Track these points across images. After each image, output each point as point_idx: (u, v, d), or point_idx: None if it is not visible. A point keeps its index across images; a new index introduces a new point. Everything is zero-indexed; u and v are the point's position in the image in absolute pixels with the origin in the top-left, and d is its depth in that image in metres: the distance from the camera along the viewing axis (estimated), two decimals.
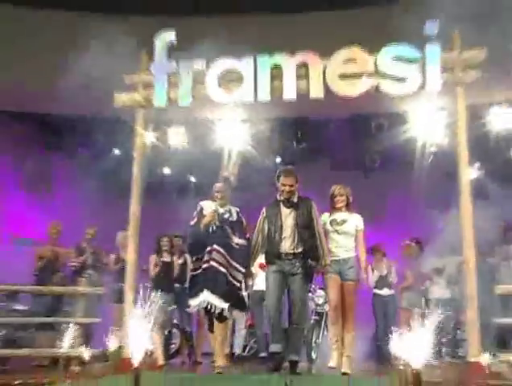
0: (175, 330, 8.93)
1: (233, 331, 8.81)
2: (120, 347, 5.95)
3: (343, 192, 6.55)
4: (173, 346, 8.91)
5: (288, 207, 6.21)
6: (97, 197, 9.73)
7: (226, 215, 6.34)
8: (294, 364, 6.02)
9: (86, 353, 5.49)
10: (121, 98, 7.34)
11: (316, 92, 6.75)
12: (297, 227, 6.12)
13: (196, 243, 6.30)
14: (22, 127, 11.12)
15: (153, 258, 8.11)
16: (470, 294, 6.33)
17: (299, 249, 6.09)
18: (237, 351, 9.06)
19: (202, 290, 6.09)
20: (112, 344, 5.87)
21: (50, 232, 8.68)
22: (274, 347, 6.01)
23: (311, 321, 8.23)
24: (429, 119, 7.41)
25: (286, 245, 6.10)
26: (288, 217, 6.18)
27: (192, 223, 6.32)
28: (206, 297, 6.05)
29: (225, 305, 6.09)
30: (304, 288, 6.18)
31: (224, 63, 7.02)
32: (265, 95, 6.97)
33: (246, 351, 9.22)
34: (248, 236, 6.44)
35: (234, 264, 6.19)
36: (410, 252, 8.95)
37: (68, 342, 4.89)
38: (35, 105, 9.87)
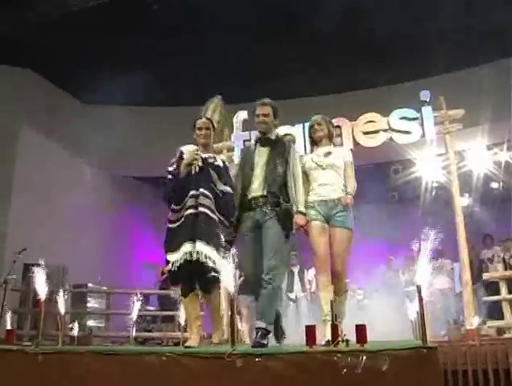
0: None
1: None
2: None
3: (321, 122, 4.85)
4: None
5: (264, 146, 4.59)
6: None
7: (210, 160, 4.49)
8: (262, 334, 3.92)
9: None
10: None
11: (348, 145, 7.82)
12: (268, 165, 4.46)
13: (176, 189, 4.37)
14: (150, 187, 12.06)
15: None
16: (466, 281, 7.66)
17: (269, 190, 4.36)
18: None
19: (187, 240, 4.12)
20: None
21: None
22: (260, 324, 4.03)
23: None
24: (430, 162, 8.75)
25: (255, 187, 4.43)
26: (262, 156, 4.54)
27: (171, 168, 4.46)
28: (196, 247, 4.08)
29: (223, 261, 3.45)
30: (278, 235, 4.29)
31: (281, 130, 8.59)
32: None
33: None
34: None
35: (219, 216, 4.33)
36: (389, 264, 9.67)
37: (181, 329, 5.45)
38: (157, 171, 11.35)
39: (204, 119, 4.69)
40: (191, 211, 4.22)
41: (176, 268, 4.13)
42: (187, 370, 2.75)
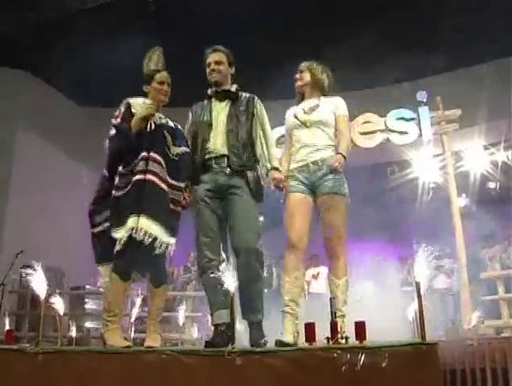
0: None
1: None
2: None
3: (302, 68, 3.98)
4: None
5: (222, 100, 3.87)
6: None
7: (163, 120, 3.75)
8: (256, 327, 3.50)
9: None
10: None
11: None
12: (229, 120, 3.76)
13: (125, 148, 3.56)
14: None
15: None
16: (463, 282, 7.61)
17: (232, 150, 3.67)
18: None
19: (133, 213, 3.40)
20: None
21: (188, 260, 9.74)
22: (217, 317, 3.53)
23: None
24: (427, 163, 8.90)
25: (215, 146, 3.71)
26: (222, 112, 3.82)
27: (116, 121, 3.63)
28: (141, 224, 3.36)
29: (172, 240, 3.49)
30: (251, 206, 3.62)
31: (277, 131, 8.62)
32: None
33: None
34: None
35: (171, 181, 3.61)
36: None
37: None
38: None
39: (166, 73, 3.84)
40: (140, 176, 3.49)
41: (123, 247, 3.39)
42: (187, 368, 2.75)
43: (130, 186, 3.49)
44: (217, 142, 3.74)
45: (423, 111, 7.89)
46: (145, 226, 3.36)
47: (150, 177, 3.50)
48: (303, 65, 4.00)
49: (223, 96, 3.91)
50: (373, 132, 8.12)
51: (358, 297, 7.74)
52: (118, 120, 3.64)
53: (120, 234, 3.39)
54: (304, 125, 3.83)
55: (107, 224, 3.56)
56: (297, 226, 3.66)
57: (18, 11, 8.08)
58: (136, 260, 3.48)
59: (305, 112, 3.87)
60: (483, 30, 7.88)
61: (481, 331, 7.01)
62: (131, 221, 3.37)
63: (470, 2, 8.02)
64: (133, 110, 3.65)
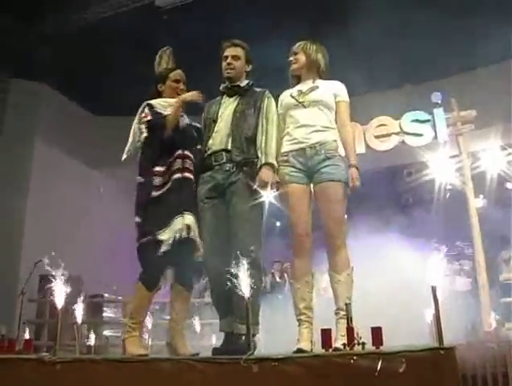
0: None
1: None
2: None
3: (297, 50, 3.71)
4: None
5: (232, 95, 3.74)
6: None
7: (187, 120, 3.70)
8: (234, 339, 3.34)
9: None
10: None
11: (360, 149, 7.93)
12: (234, 115, 3.62)
13: (164, 146, 3.47)
14: None
15: None
16: (482, 284, 7.46)
17: (234, 145, 3.53)
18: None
19: (177, 213, 3.35)
20: None
21: None
22: (221, 326, 3.52)
23: None
24: (443, 164, 8.82)
25: (216, 141, 3.60)
26: (228, 107, 3.70)
27: (148, 118, 3.52)
28: (187, 221, 3.34)
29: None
30: (249, 208, 3.39)
31: None
32: None
33: None
34: None
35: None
36: None
37: None
38: None
39: (180, 71, 3.77)
40: (178, 175, 3.47)
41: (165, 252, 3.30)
42: (203, 376, 2.74)
43: (169, 185, 3.43)
44: (217, 138, 3.62)
45: (438, 112, 7.87)
46: (191, 223, 3.34)
47: (187, 175, 3.49)
48: (298, 46, 3.73)
49: (233, 91, 3.78)
50: (388, 135, 8.13)
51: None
52: (149, 117, 3.53)
53: (165, 236, 3.30)
54: (302, 104, 3.54)
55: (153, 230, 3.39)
56: (303, 229, 3.40)
57: (31, 23, 8.17)
58: (165, 266, 3.40)
59: (303, 93, 3.59)
60: (497, 30, 7.76)
61: (502, 334, 6.96)
62: (177, 222, 3.31)
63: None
64: (157, 110, 3.55)
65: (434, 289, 2.66)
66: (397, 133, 8.07)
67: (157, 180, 3.44)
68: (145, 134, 3.53)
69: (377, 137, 8.16)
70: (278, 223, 9.57)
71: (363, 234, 5.82)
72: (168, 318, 3.78)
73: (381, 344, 2.79)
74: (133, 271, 3.58)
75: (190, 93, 3.60)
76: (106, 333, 8.80)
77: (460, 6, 8.11)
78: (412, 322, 5.57)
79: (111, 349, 7.76)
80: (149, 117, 3.53)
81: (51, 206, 9.84)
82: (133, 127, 3.62)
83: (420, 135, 7.96)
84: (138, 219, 3.45)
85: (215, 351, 3.34)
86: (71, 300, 3.53)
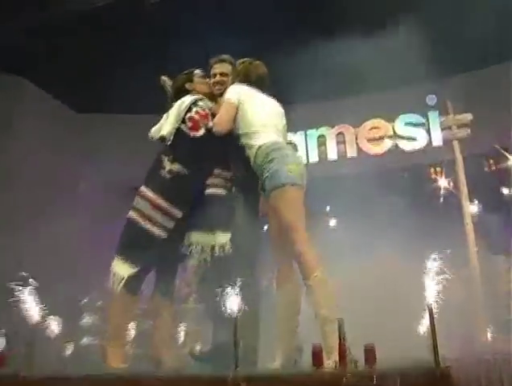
0: None
1: None
2: None
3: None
4: None
5: None
6: None
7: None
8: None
9: None
10: None
11: (351, 152, 8.21)
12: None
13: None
14: None
15: None
16: (477, 295, 7.31)
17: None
18: None
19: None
20: None
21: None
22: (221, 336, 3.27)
23: None
24: (437, 168, 8.79)
25: None
26: None
27: (210, 125, 3.52)
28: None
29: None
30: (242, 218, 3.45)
31: None
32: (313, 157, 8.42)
33: None
34: None
35: None
36: None
37: None
38: None
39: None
40: (211, 191, 3.68)
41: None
42: None
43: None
44: None
45: (433, 115, 7.95)
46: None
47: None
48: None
49: None
50: (381, 138, 8.17)
51: None
52: (210, 124, 3.55)
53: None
54: None
55: None
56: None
57: (11, 15, 7.98)
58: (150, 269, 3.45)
59: None
60: (496, 32, 7.70)
61: (497, 346, 6.90)
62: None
63: None
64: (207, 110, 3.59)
65: (430, 309, 2.59)
66: (390, 137, 8.11)
67: (216, 180, 3.59)
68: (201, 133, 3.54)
69: (369, 140, 8.15)
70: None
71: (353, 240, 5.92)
72: (152, 324, 3.77)
73: (375, 363, 2.70)
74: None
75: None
76: (85, 341, 8.63)
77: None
78: (405, 333, 5.43)
79: (90, 357, 7.60)
80: (210, 124, 3.54)
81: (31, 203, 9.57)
82: (179, 113, 3.58)
83: (413, 139, 8.02)
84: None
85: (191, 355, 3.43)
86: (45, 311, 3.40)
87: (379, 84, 8.74)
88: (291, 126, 7.41)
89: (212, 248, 3.37)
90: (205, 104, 3.61)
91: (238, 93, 3.53)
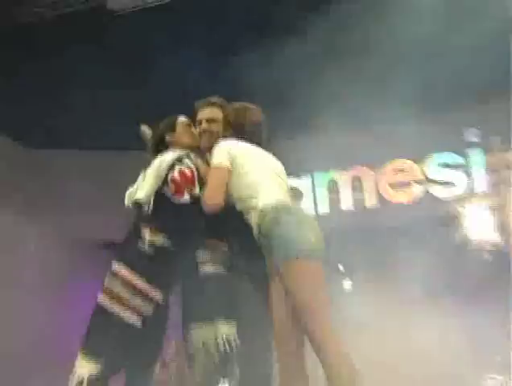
0: None
1: None
2: None
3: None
4: None
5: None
6: None
7: None
8: None
9: None
10: None
11: (371, 201, 7.14)
12: None
13: None
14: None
15: None
16: None
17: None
18: None
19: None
20: None
21: None
22: None
23: None
24: (480, 219, 7.54)
25: None
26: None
27: (196, 193, 3.09)
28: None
29: None
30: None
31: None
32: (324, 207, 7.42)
33: None
34: None
35: None
36: None
37: None
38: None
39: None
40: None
41: None
42: None
43: None
44: None
45: (475, 154, 6.84)
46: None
47: None
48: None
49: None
50: (408, 183, 7.18)
51: None
52: (196, 192, 3.08)
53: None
54: None
55: None
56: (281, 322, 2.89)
57: None
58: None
59: None
60: None
61: None
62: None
63: None
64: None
65: None
66: (419, 182, 7.10)
67: None
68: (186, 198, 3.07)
69: (393, 186, 7.20)
70: None
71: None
72: None
73: None
74: None
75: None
76: None
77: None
78: None
79: None
80: (196, 191, 3.07)
81: None
82: (159, 173, 3.10)
83: (451, 184, 7.02)
84: None
85: None
86: None
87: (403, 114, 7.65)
88: (293, 168, 6.62)
89: (216, 343, 2.83)
90: (191, 161, 3.14)
91: (229, 153, 2.99)
